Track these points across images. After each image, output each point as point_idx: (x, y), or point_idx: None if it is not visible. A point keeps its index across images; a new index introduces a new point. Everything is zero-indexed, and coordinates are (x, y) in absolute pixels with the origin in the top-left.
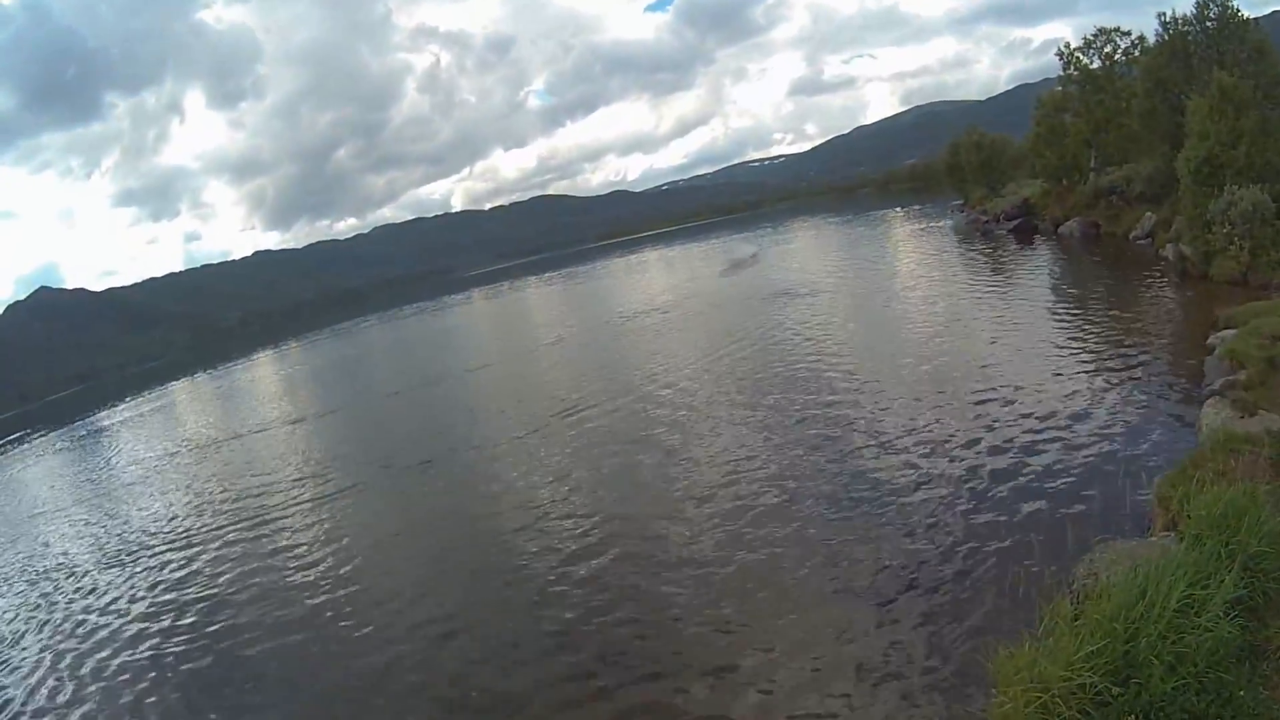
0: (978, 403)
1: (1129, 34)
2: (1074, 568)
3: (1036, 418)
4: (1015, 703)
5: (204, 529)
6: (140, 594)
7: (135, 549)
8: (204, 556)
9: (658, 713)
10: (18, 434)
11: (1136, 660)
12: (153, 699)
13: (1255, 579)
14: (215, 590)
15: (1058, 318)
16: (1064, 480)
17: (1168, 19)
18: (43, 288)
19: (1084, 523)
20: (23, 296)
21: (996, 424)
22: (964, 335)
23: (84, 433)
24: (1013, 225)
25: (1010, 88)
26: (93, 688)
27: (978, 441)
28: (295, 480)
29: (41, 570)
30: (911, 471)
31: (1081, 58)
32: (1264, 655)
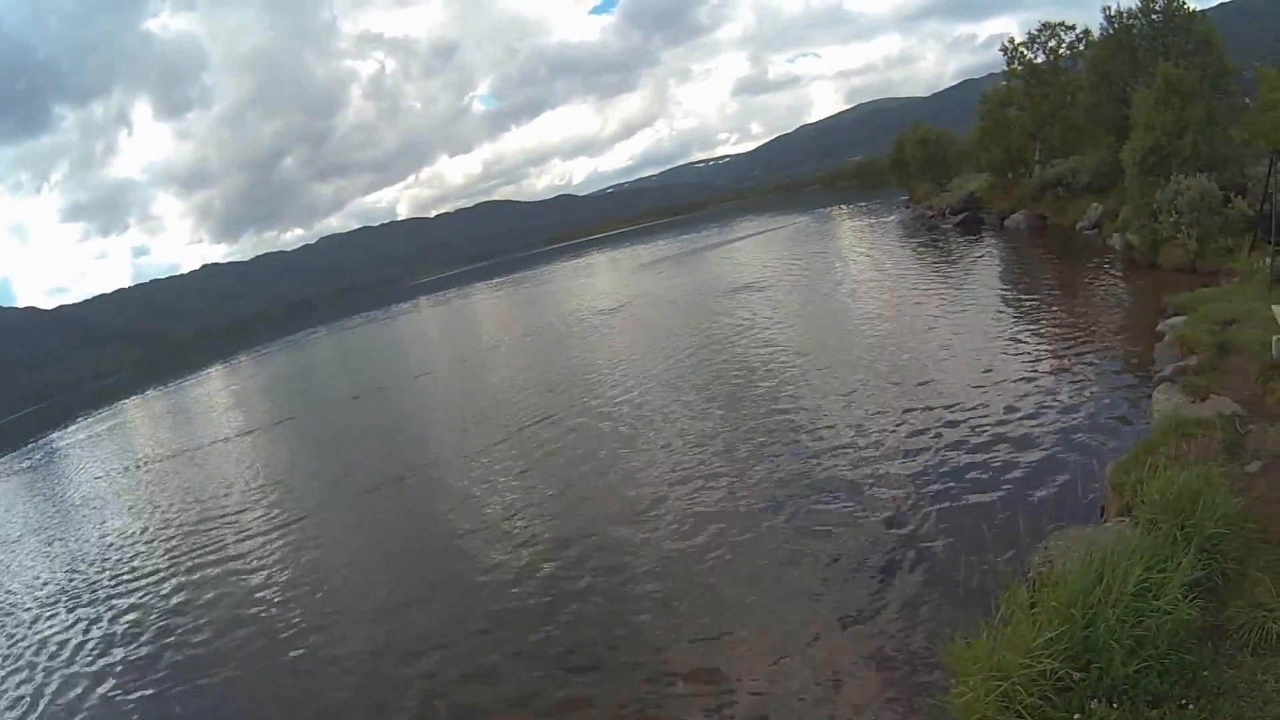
0: (927, 396)
1: (1073, 28)
2: (1029, 556)
3: (987, 409)
4: (976, 692)
5: (159, 550)
6: (96, 620)
7: (89, 575)
8: (159, 579)
9: (623, 713)
10: None
11: (1096, 645)
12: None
13: (1213, 560)
14: (171, 611)
15: (1007, 309)
16: (1017, 470)
17: (1113, 12)
18: None
19: (1038, 511)
20: None
21: (947, 417)
22: (913, 329)
23: (38, 455)
24: (959, 219)
25: (955, 83)
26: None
27: (929, 435)
28: (248, 495)
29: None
30: (864, 467)
31: (1026, 52)
32: (1225, 635)
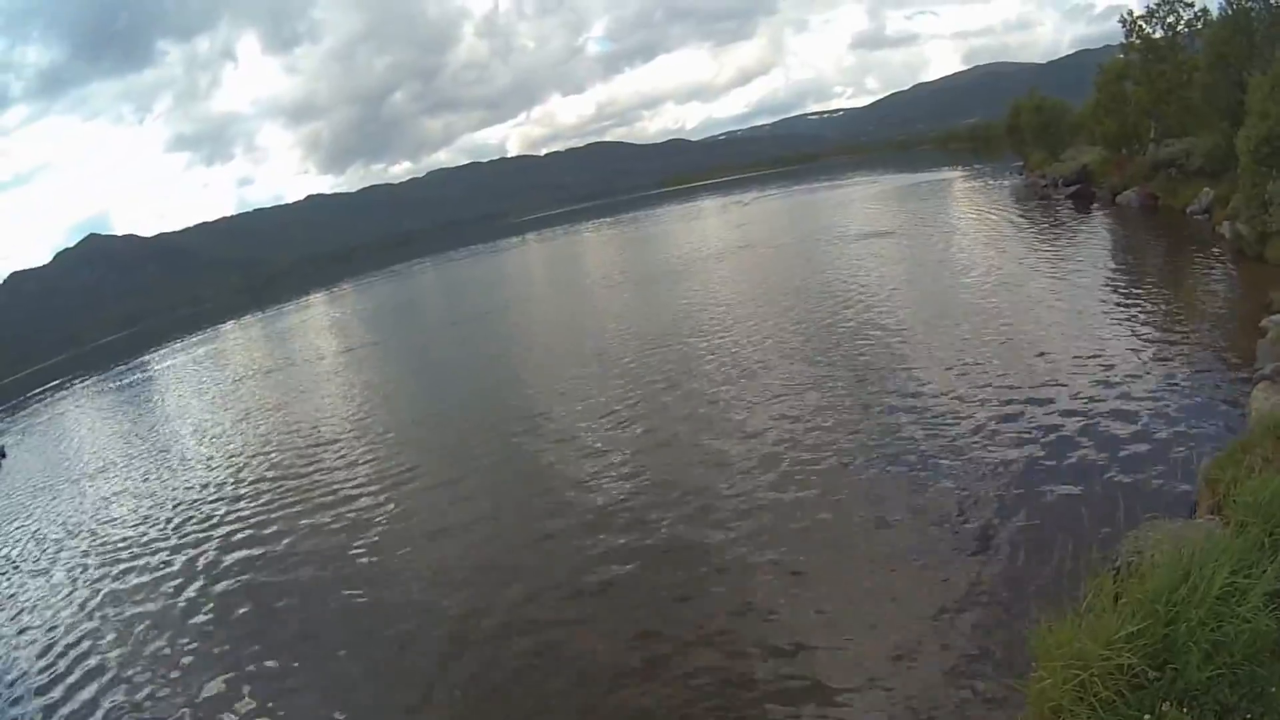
0: (1030, 371)
1: (1191, 5)
2: (1119, 544)
3: (1087, 390)
4: (1054, 678)
5: (254, 466)
6: (188, 538)
7: (183, 493)
8: (252, 495)
9: (701, 663)
10: (66, 378)
11: (1175, 645)
12: (198, 644)
13: None
14: (263, 528)
15: (1112, 288)
16: (1114, 454)
17: None
18: (91, 235)
19: (1132, 498)
20: (72, 245)
21: (1048, 394)
22: (1019, 299)
23: (132, 375)
24: (1071, 191)
25: (1072, 52)
26: (136, 630)
27: (1029, 411)
28: (347, 418)
29: (89, 514)
30: (964, 435)
31: (1144, 26)
32: None
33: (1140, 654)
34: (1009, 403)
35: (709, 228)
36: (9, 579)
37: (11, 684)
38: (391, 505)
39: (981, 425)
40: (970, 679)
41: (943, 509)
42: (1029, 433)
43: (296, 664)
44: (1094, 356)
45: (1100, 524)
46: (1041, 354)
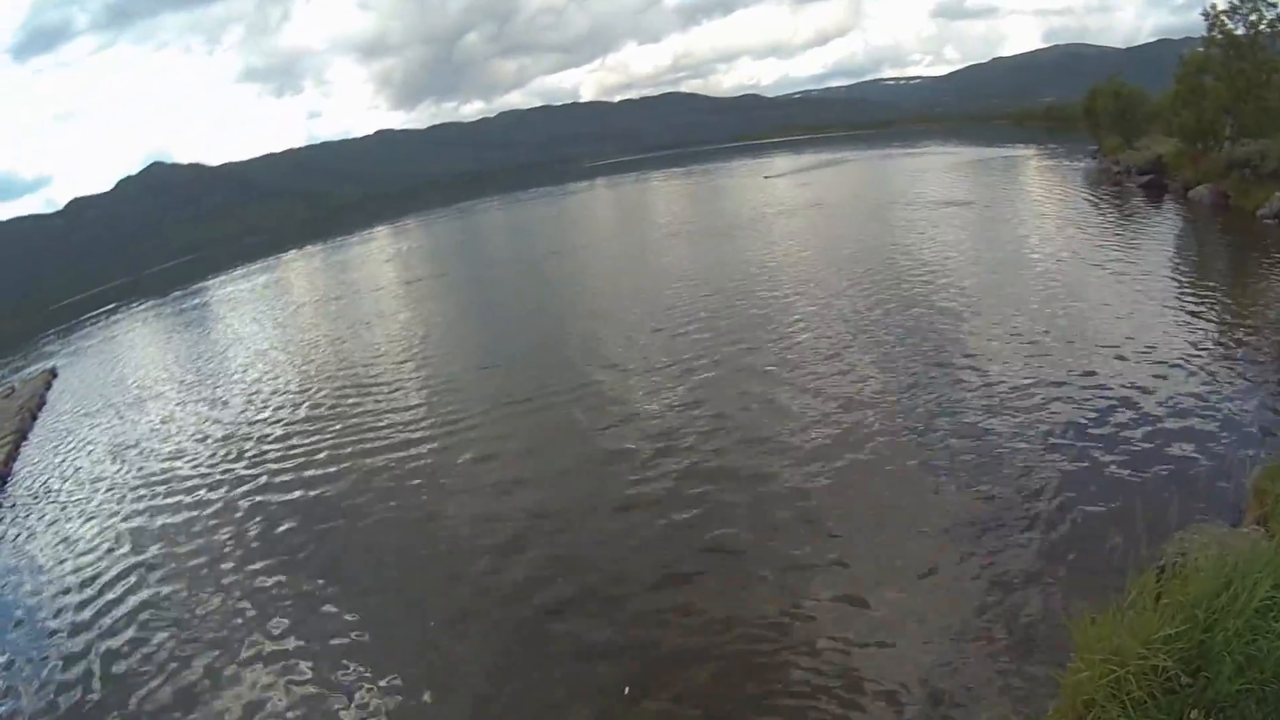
0: (1091, 359)
1: (1275, 5)
2: (1165, 543)
3: (1146, 382)
4: (1091, 672)
5: (307, 397)
6: (237, 469)
7: (233, 422)
8: (304, 428)
9: (734, 613)
10: (122, 302)
11: (1210, 653)
12: (255, 566)
13: None
14: (312, 462)
15: (1176, 284)
16: (1166, 451)
17: None
18: (155, 163)
19: (1182, 497)
20: (135, 172)
21: (1106, 382)
22: (1084, 284)
23: (191, 300)
24: (1144, 181)
25: (1152, 40)
26: (181, 560)
27: (1086, 395)
28: (405, 352)
29: (137, 440)
30: (1020, 415)
31: (1226, 21)
32: None
33: (1175, 657)
34: (1071, 385)
35: (779, 185)
36: (55, 504)
37: (55, 613)
38: (445, 442)
39: (1039, 407)
40: (1008, 661)
41: (996, 488)
42: (1085, 420)
43: (334, 592)
44: (1154, 350)
45: (1150, 520)
46: (1103, 343)
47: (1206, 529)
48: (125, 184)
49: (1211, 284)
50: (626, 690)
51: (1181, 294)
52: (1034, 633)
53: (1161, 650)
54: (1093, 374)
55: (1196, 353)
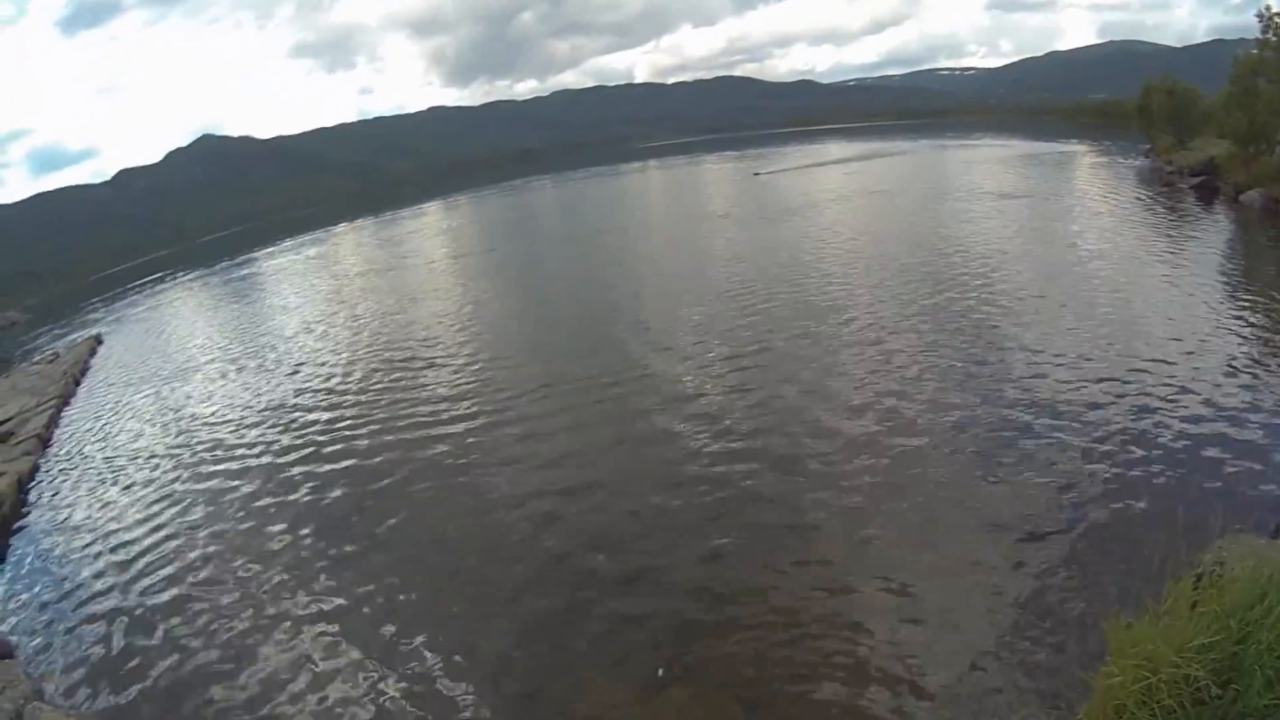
0: (1138, 357)
1: None
2: (1203, 550)
3: (1193, 387)
4: (1124, 677)
5: (353, 371)
6: (280, 440)
7: (278, 393)
8: (354, 391)
9: (780, 614)
10: (169, 271)
11: (1242, 665)
12: (294, 534)
13: None
14: (364, 427)
15: (1224, 289)
16: (1213, 457)
17: None
18: (206, 135)
19: (1226, 505)
20: (185, 145)
21: (1151, 386)
22: (1131, 285)
23: (239, 270)
24: (1195, 182)
25: (1207, 40)
26: (233, 513)
27: (1131, 397)
28: (453, 327)
29: (180, 407)
30: (1067, 415)
31: None
32: None
33: (1208, 667)
34: (1113, 387)
35: (832, 172)
36: (95, 469)
37: (95, 574)
38: (491, 418)
39: (1085, 406)
40: (1042, 659)
41: (1039, 484)
42: (1129, 421)
43: (374, 561)
44: (1201, 354)
45: (1191, 526)
46: (1150, 344)
47: (1245, 539)
48: (174, 155)
49: (1260, 289)
50: (660, 671)
51: (1230, 299)
52: (1068, 632)
53: (1194, 660)
54: (1139, 375)
55: (1244, 359)
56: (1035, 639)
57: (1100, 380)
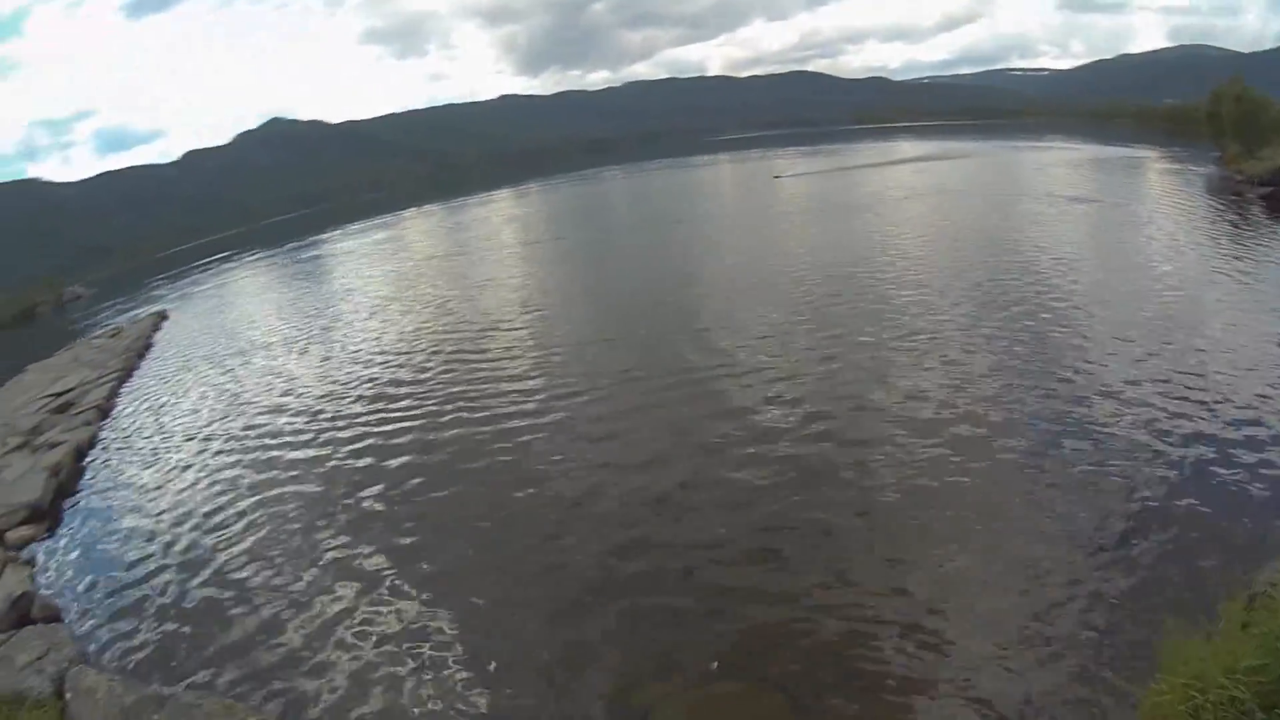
0: (1200, 371)
1: None
2: (1257, 571)
3: (1255, 402)
4: (1172, 695)
5: (415, 359)
6: (340, 425)
7: (341, 378)
8: (414, 380)
9: (834, 616)
10: (235, 250)
11: None
12: (345, 517)
13: None
14: (422, 414)
15: None
16: (1272, 475)
17: None
18: (275, 119)
19: None
20: (253, 127)
21: (1214, 400)
22: (1197, 295)
23: (305, 252)
24: (1265, 192)
25: (1276, 46)
26: (283, 512)
27: (1194, 411)
28: (519, 315)
29: (241, 388)
30: (1128, 424)
31: None
32: None
33: (1254, 690)
34: (1176, 400)
35: (902, 170)
36: (151, 443)
37: (146, 542)
38: (551, 411)
39: (1148, 418)
40: (1093, 671)
41: (1099, 495)
42: (1191, 434)
43: (426, 545)
44: (1265, 369)
45: (1248, 544)
46: (1214, 357)
47: None
48: (243, 138)
49: None
50: (715, 665)
51: None
52: (1119, 646)
53: (1242, 682)
54: (1202, 388)
55: None
56: (1086, 651)
57: (1164, 392)
